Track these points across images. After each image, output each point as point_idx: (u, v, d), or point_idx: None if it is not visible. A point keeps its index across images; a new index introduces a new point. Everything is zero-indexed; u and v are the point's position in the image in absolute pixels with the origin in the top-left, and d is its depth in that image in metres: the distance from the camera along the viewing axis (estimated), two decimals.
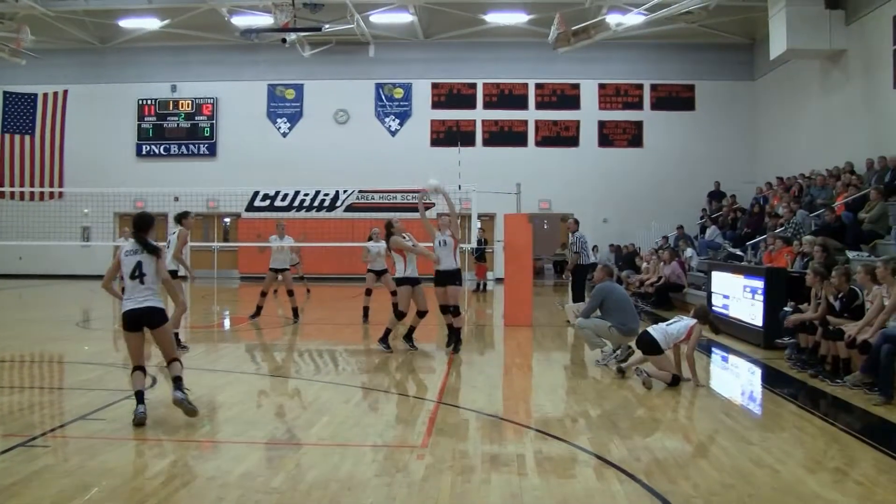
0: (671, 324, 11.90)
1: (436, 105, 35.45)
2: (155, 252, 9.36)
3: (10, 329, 17.94)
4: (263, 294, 19.08)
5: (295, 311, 19.30)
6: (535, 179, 31.78)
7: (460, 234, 15.54)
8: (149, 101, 36.38)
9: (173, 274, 14.12)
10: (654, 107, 34.87)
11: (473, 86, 35.39)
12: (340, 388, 11.16)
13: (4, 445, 7.97)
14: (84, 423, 8.99)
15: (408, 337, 15.15)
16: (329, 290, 29.28)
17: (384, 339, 14.79)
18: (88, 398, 10.21)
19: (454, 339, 14.69)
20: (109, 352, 15.31)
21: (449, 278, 14.61)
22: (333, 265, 33.28)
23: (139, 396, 9.13)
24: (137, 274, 9.22)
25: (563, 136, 35.01)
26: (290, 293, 19.19)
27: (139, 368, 9.24)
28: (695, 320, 11.85)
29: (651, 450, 8.06)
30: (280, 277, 19.21)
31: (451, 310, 14.59)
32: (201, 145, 36.16)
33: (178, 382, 9.30)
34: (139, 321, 9.14)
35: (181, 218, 15.20)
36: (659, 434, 8.81)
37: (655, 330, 11.77)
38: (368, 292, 19.39)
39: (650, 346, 11.61)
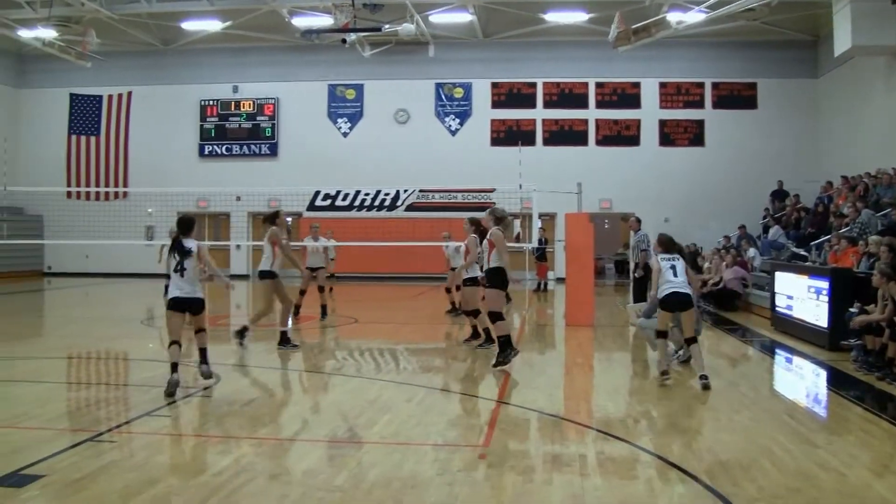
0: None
1: (496, 104, 35.41)
2: (188, 254, 10.84)
3: (77, 326, 18.28)
4: (302, 293, 19.32)
5: (324, 309, 19.87)
6: (595, 179, 31.58)
7: (513, 234, 15.53)
8: (211, 102, 36.83)
9: (271, 274, 14.74)
10: (716, 105, 34.48)
11: (533, 85, 35.29)
12: (402, 387, 11.21)
13: (73, 440, 8.13)
14: (149, 419, 9.14)
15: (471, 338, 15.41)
16: (388, 290, 29.41)
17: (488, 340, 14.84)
18: (153, 395, 10.37)
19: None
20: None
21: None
22: (394, 264, 33.42)
23: (174, 367, 10.48)
24: (179, 269, 10.78)
25: (623, 136, 34.77)
26: (321, 289, 20.31)
27: (176, 343, 10.67)
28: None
29: (714, 451, 7.97)
30: (314, 276, 19.89)
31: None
32: (263, 145, 36.51)
33: (203, 354, 11.26)
34: (183, 306, 10.84)
35: (273, 218, 15.33)
36: (722, 435, 8.70)
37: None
38: (452, 289, 20.20)
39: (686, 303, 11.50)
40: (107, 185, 36.65)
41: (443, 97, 35.68)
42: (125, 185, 36.35)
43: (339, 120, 36.22)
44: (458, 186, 33.09)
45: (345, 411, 9.79)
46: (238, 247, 35.89)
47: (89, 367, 13.42)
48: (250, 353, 14.37)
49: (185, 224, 11.13)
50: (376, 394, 10.67)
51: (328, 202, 35.31)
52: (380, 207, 35.20)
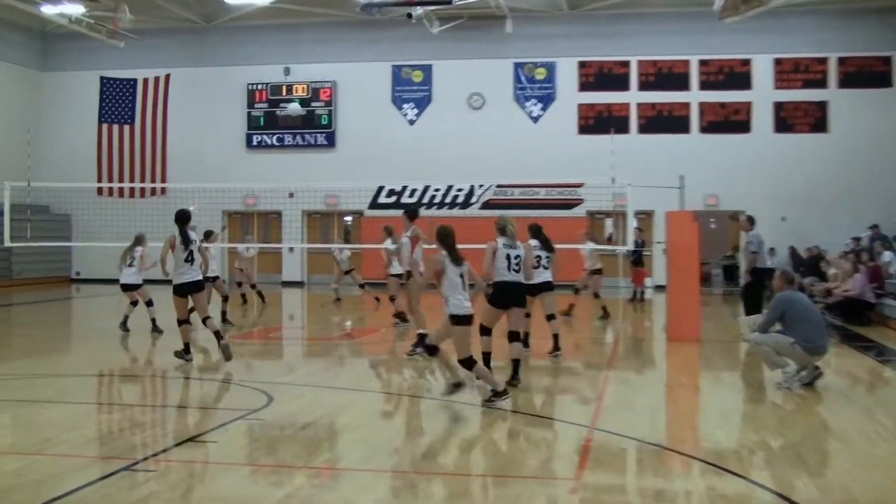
0: None
1: (584, 87, 35.22)
2: (194, 243, 14.92)
3: (109, 340, 18.53)
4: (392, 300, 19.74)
5: (402, 316, 20.33)
6: (700, 171, 31.21)
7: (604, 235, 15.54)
8: (259, 86, 37.20)
9: (408, 275, 16.35)
10: (842, 84, 33.89)
11: (626, 64, 35.05)
12: (479, 410, 11.16)
13: (105, 469, 8.21)
14: (192, 445, 9.21)
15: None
16: None
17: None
18: (198, 417, 10.44)
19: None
20: (220, 365, 15.66)
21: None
22: None
23: (187, 347, 14.36)
24: (190, 258, 14.81)
25: (732, 121, 34.36)
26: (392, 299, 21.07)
27: (186, 322, 14.85)
28: None
29: (848, 490, 7.77)
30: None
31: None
32: (318, 135, 36.78)
33: (218, 335, 14.74)
34: (190, 290, 14.89)
35: (412, 216, 16.91)
36: (857, 472, 8.48)
37: None
38: None
39: None
40: (142, 181, 37.18)
41: (522, 79, 35.60)
42: (163, 181, 36.82)
43: (405, 105, 36.34)
44: (541, 181, 32.95)
45: (414, 437, 9.75)
46: (291, 250, 36.18)
47: (123, 386, 13.59)
48: (304, 370, 14.44)
49: (187, 217, 15.07)
50: (451, 417, 10.62)
51: (393, 199, 35.42)
52: (451, 205, 35.23)
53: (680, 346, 17.46)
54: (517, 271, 12.83)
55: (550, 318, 16.01)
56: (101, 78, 37.69)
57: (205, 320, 15.00)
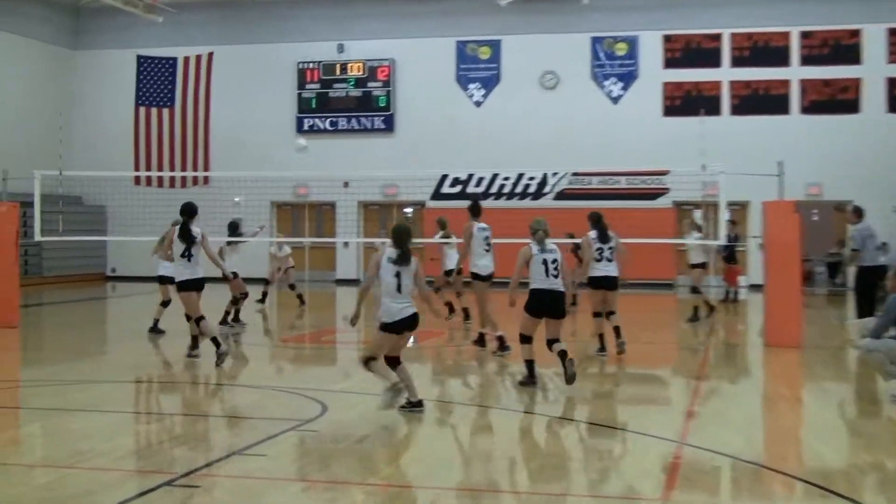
0: None
1: (669, 63, 34.97)
2: (195, 240, 15.72)
3: (148, 343, 18.73)
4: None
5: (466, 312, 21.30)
6: (801, 157, 30.86)
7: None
8: (311, 65, 37.39)
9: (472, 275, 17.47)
10: None
11: (717, 37, 34.75)
12: (555, 421, 11.16)
13: (145, 485, 8.27)
14: (239, 459, 9.25)
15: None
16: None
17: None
18: (245, 428, 10.50)
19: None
20: (270, 372, 15.80)
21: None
22: None
23: (215, 341, 15.09)
24: (187, 254, 15.67)
25: (838, 100, 33.96)
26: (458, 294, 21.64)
27: (203, 318, 15.61)
28: None
29: None
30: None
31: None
32: (376, 118, 36.91)
33: (216, 342, 15.07)
34: (197, 286, 15.82)
35: (477, 211, 17.90)
36: None
37: None
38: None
39: None
40: (183, 169, 37.44)
41: (601, 55, 35.44)
42: (206, 169, 37.12)
43: (471, 85, 36.34)
44: (622, 168, 32.78)
45: (481, 450, 9.73)
46: (346, 245, 36.36)
47: (163, 394, 13.72)
48: (360, 376, 14.49)
49: (192, 210, 15.86)
50: (522, 429, 10.61)
51: (458, 188, 35.45)
52: (522, 195, 35.18)
53: (779, 353, 17.29)
54: (556, 276, 13.35)
55: (610, 314, 16.68)
56: (138, 57, 37.98)
57: (198, 321, 15.64)
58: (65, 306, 28.07)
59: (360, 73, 36.90)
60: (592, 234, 16.47)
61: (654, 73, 34.99)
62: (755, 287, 27.83)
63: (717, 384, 14.15)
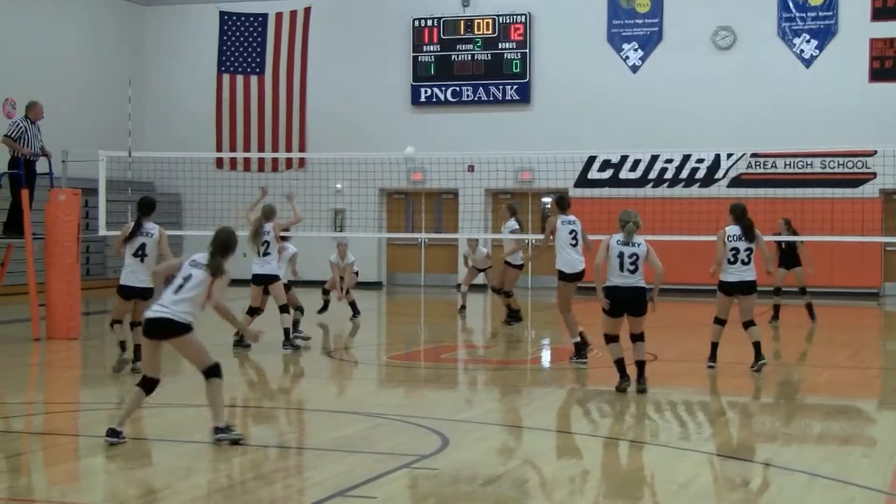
0: None
1: (878, 14, 34.31)
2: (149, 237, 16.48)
3: (232, 359, 18.98)
4: None
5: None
6: None
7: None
8: (429, 22, 37.54)
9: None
10: None
11: None
12: (729, 463, 11.11)
13: None
14: (344, 500, 9.36)
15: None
16: (707, 309, 29.12)
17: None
18: (350, 464, 10.60)
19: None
20: (374, 395, 15.91)
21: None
22: (706, 272, 32.70)
23: (122, 345, 16.77)
24: (140, 253, 16.56)
25: None
26: None
27: (119, 322, 17.12)
28: None
29: None
30: None
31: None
32: (508, 87, 36.93)
33: (137, 350, 15.51)
34: (134, 295, 16.80)
35: (565, 205, 18.47)
36: None
37: None
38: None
39: None
40: (274, 149, 37.88)
41: (790, 6, 35.02)
42: (301, 149, 37.51)
43: (626, 46, 36.19)
44: (816, 148, 32.27)
45: (638, 497, 9.70)
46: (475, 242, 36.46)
47: (251, 421, 13.89)
48: (488, 404, 14.55)
49: (149, 206, 16.68)
50: (690, 471, 10.56)
51: (608, 173, 35.34)
52: (689, 181, 34.91)
53: None
54: (633, 272, 14.86)
55: (748, 324, 17.17)
56: (221, 13, 38.53)
57: (133, 324, 16.69)
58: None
59: (490, 31, 36.97)
60: (733, 230, 17.05)
61: (858, 28, 34.39)
62: None
63: None
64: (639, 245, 14.82)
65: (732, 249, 16.77)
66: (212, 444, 11.30)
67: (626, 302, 14.90)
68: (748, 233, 16.83)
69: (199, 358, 11.50)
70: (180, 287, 11.43)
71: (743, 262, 16.80)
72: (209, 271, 11.45)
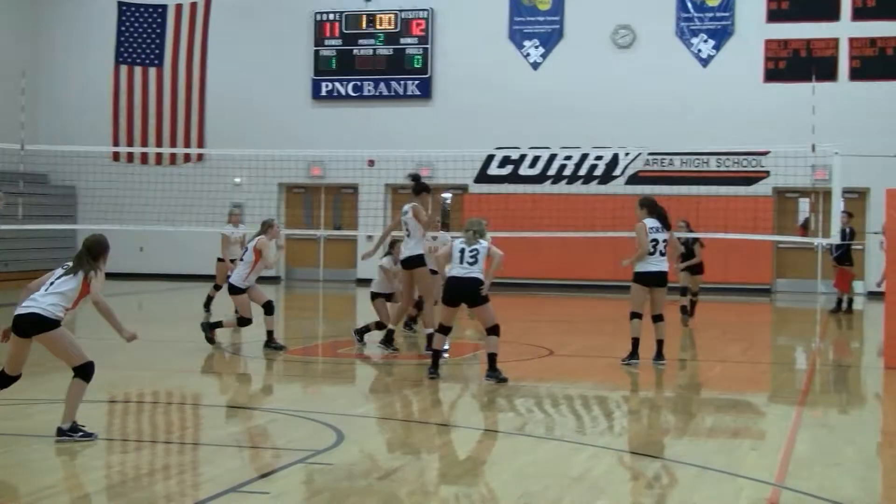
0: None
1: (773, 16, 34.76)
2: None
3: (127, 354, 18.84)
4: None
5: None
6: None
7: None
8: (331, 16, 37.49)
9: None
10: None
11: None
12: (623, 456, 11.25)
13: None
14: (237, 497, 9.31)
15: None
16: (603, 305, 29.38)
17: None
18: (243, 460, 10.57)
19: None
20: (272, 392, 15.88)
21: None
22: (605, 267, 32.98)
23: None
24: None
25: None
26: None
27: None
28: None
29: None
30: None
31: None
32: (409, 82, 36.98)
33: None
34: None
35: (418, 191, 18.59)
36: None
37: None
38: None
39: None
40: (172, 143, 37.62)
41: (689, 6, 35.33)
42: (200, 144, 37.32)
43: (527, 43, 36.33)
44: (711, 147, 32.58)
45: (534, 492, 9.75)
46: (370, 237, 36.43)
47: (144, 417, 13.80)
48: (385, 398, 14.56)
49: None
50: (583, 465, 10.64)
51: (508, 169, 35.47)
52: (587, 178, 35.15)
53: None
54: (471, 264, 15.41)
55: (658, 318, 17.61)
56: (119, 3, 38.18)
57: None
58: None
59: (391, 26, 37.03)
60: (651, 221, 17.30)
61: (753, 29, 34.86)
62: (874, 294, 27.72)
63: (824, 415, 14.14)
64: (480, 245, 15.47)
65: (653, 241, 17.02)
66: (55, 440, 11.24)
67: (462, 293, 15.50)
68: (665, 223, 17.28)
69: (68, 356, 11.55)
70: (51, 284, 11.59)
71: (661, 253, 17.20)
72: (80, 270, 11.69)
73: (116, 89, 38.25)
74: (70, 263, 11.73)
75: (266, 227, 19.20)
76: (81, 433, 11.34)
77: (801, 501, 9.51)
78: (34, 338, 11.43)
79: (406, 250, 18.28)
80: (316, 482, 9.97)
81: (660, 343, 17.35)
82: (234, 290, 18.71)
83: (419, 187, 18.70)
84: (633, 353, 17.39)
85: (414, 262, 18.15)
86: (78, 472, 10.09)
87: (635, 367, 17.17)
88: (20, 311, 11.42)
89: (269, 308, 19.01)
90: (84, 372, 11.49)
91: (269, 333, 19.07)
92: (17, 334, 11.48)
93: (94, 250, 11.93)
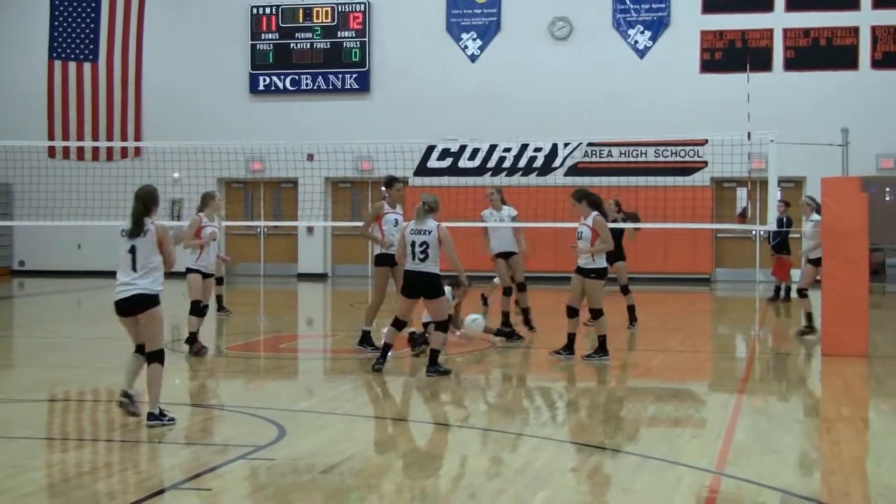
0: None
1: (709, 7, 34.89)
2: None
3: (65, 352, 18.76)
4: None
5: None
6: (871, 123, 30.99)
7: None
8: (268, 10, 37.33)
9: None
10: None
11: None
12: (564, 447, 11.29)
13: None
14: (179, 493, 9.32)
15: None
16: (544, 296, 29.41)
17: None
18: (185, 456, 10.55)
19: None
20: (211, 388, 15.84)
21: None
22: (547, 257, 33.04)
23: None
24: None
25: None
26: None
27: None
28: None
29: None
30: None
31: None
32: (347, 75, 36.90)
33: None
34: None
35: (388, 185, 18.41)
36: None
37: None
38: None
39: None
40: (109, 138, 37.33)
41: None
42: (137, 138, 37.07)
43: (465, 36, 36.33)
44: (649, 137, 32.70)
45: (477, 484, 9.78)
46: (310, 231, 36.40)
47: (85, 415, 13.74)
48: (327, 393, 14.56)
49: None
50: (526, 457, 10.69)
51: (447, 162, 35.48)
52: (527, 170, 35.19)
53: (840, 364, 17.33)
54: (422, 260, 15.55)
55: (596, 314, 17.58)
56: None
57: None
58: None
59: (329, 20, 36.92)
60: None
61: (689, 20, 34.98)
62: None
63: (763, 402, 14.23)
64: (429, 233, 15.46)
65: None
66: (147, 424, 11.66)
67: (417, 287, 15.72)
68: (606, 217, 17.59)
69: (158, 336, 11.97)
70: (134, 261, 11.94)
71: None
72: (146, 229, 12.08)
73: (51, 84, 37.91)
74: (128, 225, 11.99)
75: (207, 198, 18.71)
76: (168, 417, 11.75)
77: (741, 488, 9.60)
78: (138, 316, 11.74)
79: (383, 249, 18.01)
80: (259, 478, 9.95)
81: (601, 338, 17.22)
82: (189, 270, 18.34)
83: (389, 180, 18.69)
84: (602, 348, 17.08)
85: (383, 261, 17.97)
86: (17, 472, 10.02)
87: (606, 361, 16.98)
88: (121, 294, 11.77)
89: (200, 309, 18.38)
90: (161, 357, 11.85)
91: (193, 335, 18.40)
92: (123, 315, 11.87)
93: (147, 201, 12.40)
